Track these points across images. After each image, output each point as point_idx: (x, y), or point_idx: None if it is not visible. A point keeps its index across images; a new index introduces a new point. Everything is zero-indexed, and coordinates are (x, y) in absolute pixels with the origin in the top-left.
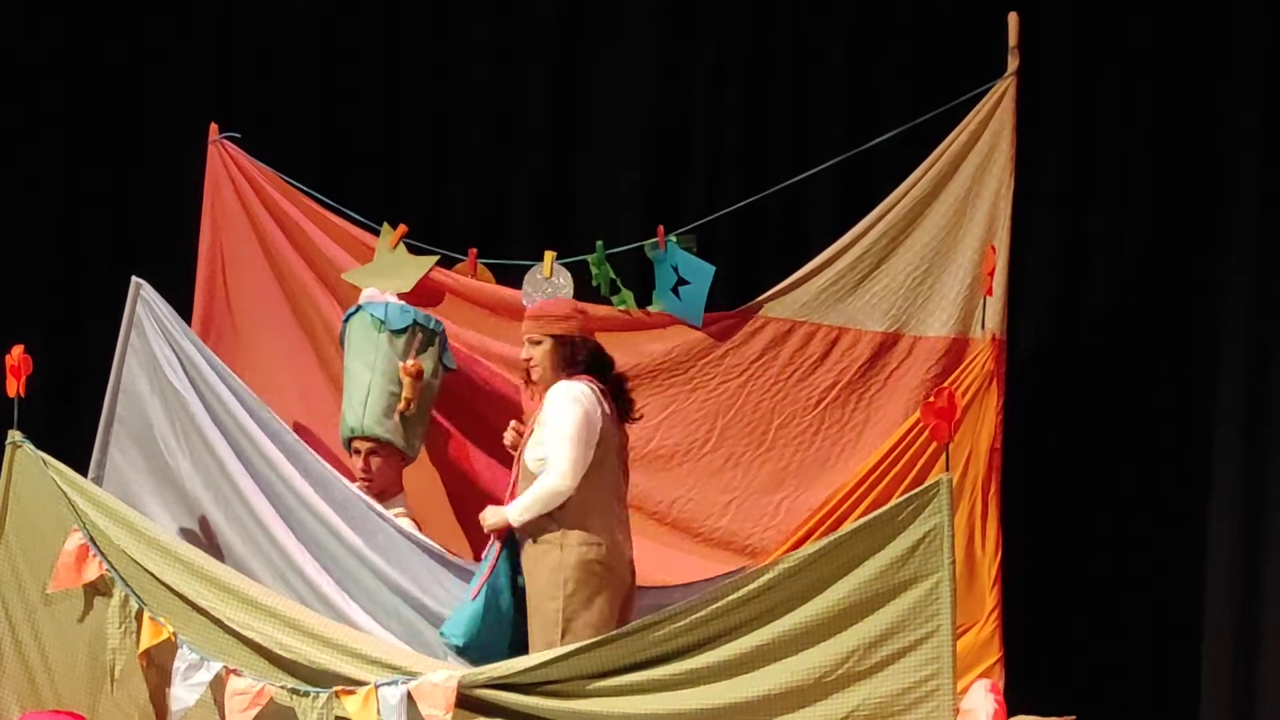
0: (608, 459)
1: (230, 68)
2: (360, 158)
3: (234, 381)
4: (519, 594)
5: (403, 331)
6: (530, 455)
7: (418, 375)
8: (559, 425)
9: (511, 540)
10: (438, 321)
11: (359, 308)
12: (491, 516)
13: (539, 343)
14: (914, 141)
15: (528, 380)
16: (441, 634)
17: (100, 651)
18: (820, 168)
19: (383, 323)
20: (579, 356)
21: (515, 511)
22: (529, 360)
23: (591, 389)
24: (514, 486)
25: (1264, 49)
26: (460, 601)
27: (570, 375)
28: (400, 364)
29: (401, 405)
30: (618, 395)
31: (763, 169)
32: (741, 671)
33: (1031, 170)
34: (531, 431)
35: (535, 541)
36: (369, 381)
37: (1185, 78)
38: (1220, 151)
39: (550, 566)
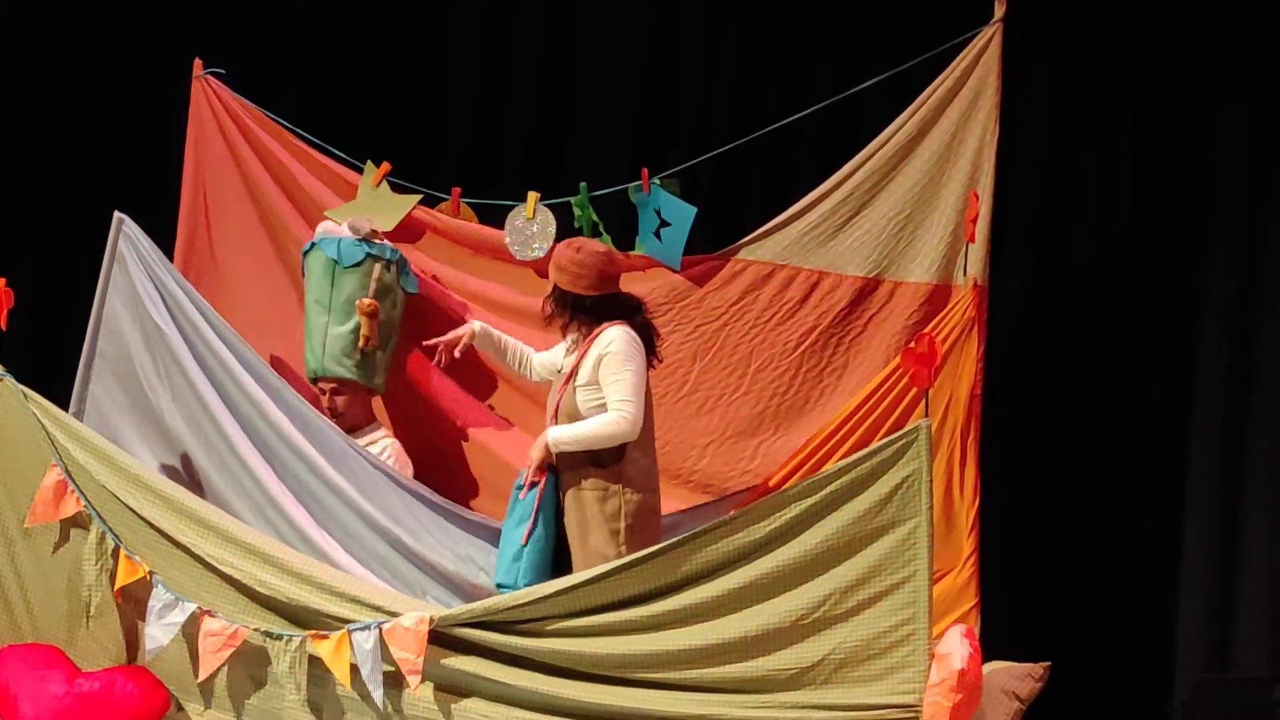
0: (649, 404)
1: (216, 2)
2: (346, 95)
3: (215, 317)
4: (554, 536)
5: (357, 266)
6: (583, 397)
7: (372, 314)
8: (624, 373)
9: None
10: (394, 250)
11: (314, 244)
12: (537, 451)
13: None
14: (899, 87)
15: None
16: (499, 586)
17: (78, 587)
18: (805, 112)
19: (335, 261)
20: (583, 305)
21: (563, 436)
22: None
23: (636, 335)
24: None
25: None
26: (505, 548)
27: (596, 321)
28: (356, 302)
29: (362, 343)
30: (646, 337)
31: (748, 113)
32: (718, 614)
33: (1016, 117)
34: (573, 373)
35: (590, 489)
36: (325, 321)
37: (1174, 23)
38: (1210, 98)
39: (609, 514)
